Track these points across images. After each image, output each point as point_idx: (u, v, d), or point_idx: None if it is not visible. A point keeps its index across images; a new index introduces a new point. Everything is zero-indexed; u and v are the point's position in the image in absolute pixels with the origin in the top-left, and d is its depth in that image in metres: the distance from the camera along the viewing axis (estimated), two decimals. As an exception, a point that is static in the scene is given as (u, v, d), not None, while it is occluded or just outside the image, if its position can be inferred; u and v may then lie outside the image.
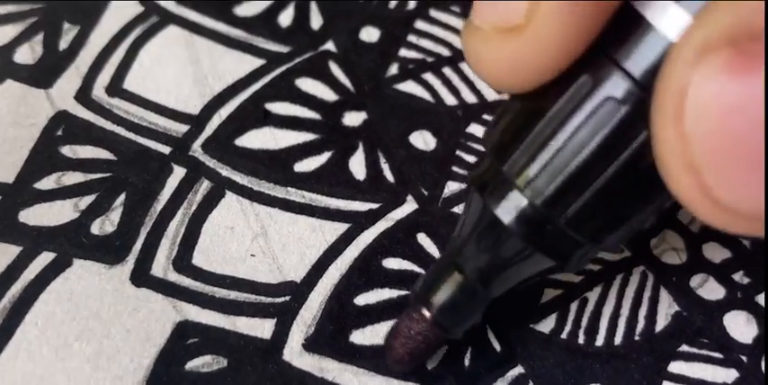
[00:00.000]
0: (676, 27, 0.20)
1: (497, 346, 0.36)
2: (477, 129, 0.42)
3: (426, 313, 0.30)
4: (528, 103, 0.25)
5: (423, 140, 0.41)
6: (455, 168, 0.41)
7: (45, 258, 0.36)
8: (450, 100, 0.43)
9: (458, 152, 0.41)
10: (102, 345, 0.34)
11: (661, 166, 0.20)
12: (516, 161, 0.25)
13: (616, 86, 0.22)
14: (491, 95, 0.43)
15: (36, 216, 0.37)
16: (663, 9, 0.21)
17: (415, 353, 0.31)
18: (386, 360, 0.34)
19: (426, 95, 0.43)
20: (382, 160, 0.40)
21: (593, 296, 0.38)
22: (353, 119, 0.41)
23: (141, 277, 0.36)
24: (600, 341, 0.37)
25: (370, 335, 0.36)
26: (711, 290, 0.38)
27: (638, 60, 0.21)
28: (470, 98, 0.43)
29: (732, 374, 0.36)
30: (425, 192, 0.40)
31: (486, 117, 0.42)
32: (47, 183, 0.38)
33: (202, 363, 0.35)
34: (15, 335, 0.34)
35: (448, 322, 0.30)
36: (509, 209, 0.26)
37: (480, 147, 0.41)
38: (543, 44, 0.22)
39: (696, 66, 0.18)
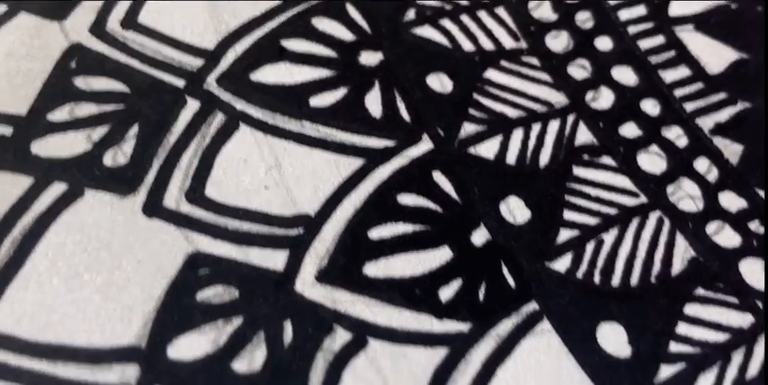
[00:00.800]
0: None
1: (512, 283, 0.36)
2: (494, 75, 0.42)
3: None
4: None
5: (439, 82, 0.41)
6: (472, 111, 0.40)
7: (57, 189, 0.36)
8: (467, 46, 0.42)
9: (475, 95, 0.41)
10: (113, 276, 0.34)
11: None
12: None
13: None
14: (508, 43, 0.43)
15: (48, 147, 0.37)
16: None
17: None
18: None
19: (444, 40, 0.42)
20: (398, 99, 0.40)
21: (609, 238, 0.38)
22: (370, 58, 0.41)
23: (153, 208, 0.36)
24: (616, 281, 0.36)
25: (384, 268, 0.36)
26: (728, 238, 0.38)
27: None
28: (488, 45, 0.43)
29: (748, 319, 0.36)
30: (442, 133, 0.40)
31: (504, 64, 0.42)
32: (60, 115, 0.38)
33: (213, 294, 0.34)
34: (25, 267, 0.34)
35: None
36: None
37: (496, 91, 0.41)
38: None
39: None
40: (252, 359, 0.33)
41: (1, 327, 0.33)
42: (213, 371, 0.32)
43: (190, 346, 0.33)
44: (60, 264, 0.34)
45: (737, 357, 0.35)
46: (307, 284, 0.35)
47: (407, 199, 0.37)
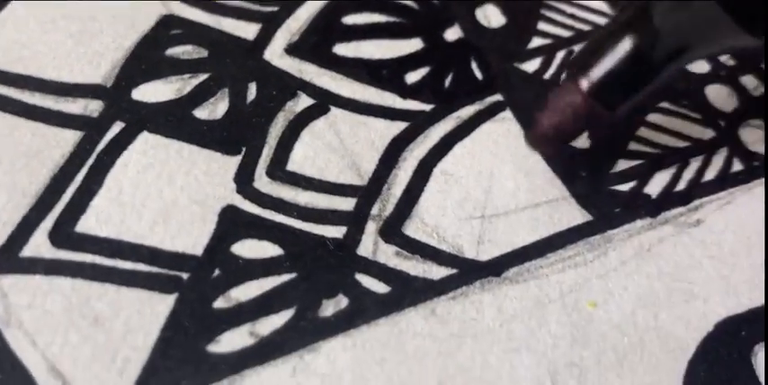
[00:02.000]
0: None
1: (479, 75, 0.38)
2: None
3: (583, 82, 0.29)
4: None
5: None
6: None
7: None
8: None
9: None
10: (86, 25, 0.36)
11: None
12: None
13: None
14: None
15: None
16: None
17: (561, 127, 0.30)
18: (526, 136, 0.34)
19: None
20: None
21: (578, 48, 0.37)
22: None
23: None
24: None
25: (354, 50, 0.37)
26: (697, 65, 0.39)
27: None
28: None
29: (708, 133, 0.37)
30: None
31: None
32: None
33: (183, 51, 0.36)
34: (4, 10, 0.37)
35: (606, 93, 0.29)
36: None
37: None
38: None
39: None
40: (214, 109, 0.34)
41: (-29, 57, 0.32)
42: (174, 114, 0.34)
43: (155, 92, 0.34)
44: (38, 10, 0.36)
45: (695, 163, 0.36)
46: (275, 55, 0.36)
47: None
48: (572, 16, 0.40)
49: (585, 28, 0.39)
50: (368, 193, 0.34)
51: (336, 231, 0.33)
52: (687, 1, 0.26)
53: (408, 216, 0.33)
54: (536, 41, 0.39)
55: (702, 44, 0.28)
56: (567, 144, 0.34)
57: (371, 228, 0.33)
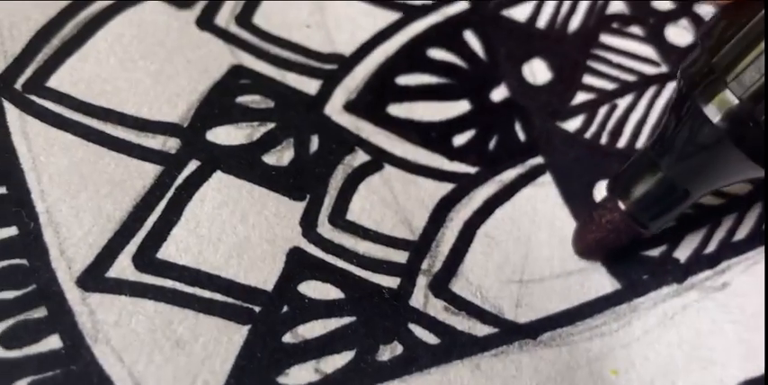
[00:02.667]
0: None
1: (522, 136, 0.39)
2: None
3: (621, 204, 0.31)
4: (739, 8, 0.26)
5: None
6: None
7: (121, -9, 0.37)
8: None
9: None
10: (164, 67, 0.37)
11: None
12: (726, 56, 0.26)
13: None
14: None
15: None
16: None
17: (603, 242, 0.33)
18: (574, 247, 0.36)
19: None
20: None
21: (623, 103, 0.41)
22: None
23: (205, 23, 0.40)
24: (622, 143, 0.39)
25: (406, 110, 0.39)
26: None
27: None
28: None
29: (745, 188, 0.38)
30: None
31: None
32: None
33: (251, 100, 0.38)
34: (86, 45, 0.37)
35: (642, 215, 0.31)
36: (717, 104, 0.26)
37: None
38: None
39: None
40: (281, 156, 0.36)
41: (59, 87, 0.36)
42: (245, 158, 0.36)
43: (227, 135, 0.36)
44: (118, 48, 0.37)
45: (728, 221, 0.39)
46: (335, 110, 0.38)
47: (437, 53, 0.40)
48: (618, 66, 0.42)
49: (630, 78, 0.41)
50: (418, 249, 0.36)
51: (392, 281, 0.35)
52: (715, 143, 0.28)
53: (455, 274, 0.36)
54: (580, 97, 0.41)
55: (716, 181, 0.30)
56: (609, 252, 0.36)
57: (422, 281, 0.35)
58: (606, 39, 0.42)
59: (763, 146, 0.26)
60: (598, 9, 0.43)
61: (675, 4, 0.42)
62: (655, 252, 0.37)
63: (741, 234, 0.38)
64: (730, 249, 0.36)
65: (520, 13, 0.43)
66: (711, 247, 0.37)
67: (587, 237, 0.33)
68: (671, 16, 0.43)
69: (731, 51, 0.26)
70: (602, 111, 0.40)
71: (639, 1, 0.43)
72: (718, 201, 0.38)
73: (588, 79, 0.41)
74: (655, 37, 0.43)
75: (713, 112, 0.27)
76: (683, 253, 0.36)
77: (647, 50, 0.42)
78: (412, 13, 0.42)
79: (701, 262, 0.36)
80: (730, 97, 0.26)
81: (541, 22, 0.43)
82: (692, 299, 0.36)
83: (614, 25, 0.43)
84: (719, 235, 0.38)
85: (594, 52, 0.42)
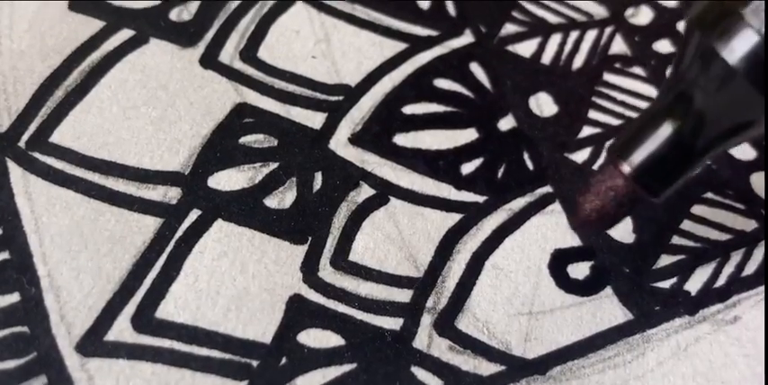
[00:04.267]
0: None
1: (530, 165, 0.40)
2: None
3: (625, 167, 0.29)
4: None
5: None
6: (515, 13, 0.45)
7: (125, 34, 0.40)
8: None
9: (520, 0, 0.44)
10: (167, 112, 0.38)
11: None
12: None
13: None
14: None
15: (120, -3, 0.38)
16: None
17: (603, 211, 0.31)
18: (570, 221, 0.36)
19: None
20: None
21: None
22: None
23: (209, 61, 0.40)
24: None
25: (413, 140, 0.40)
26: (743, 151, 0.40)
27: None
28: None
29: (751, 224, 0.39)
30: (483, 29, 0.43)
31: None
32: (131, -26, 0.39)
33: (254, 140, 0.39)
34: (89, 94, 0.39)
35: (649, 179, 0.29)
36: (734, 42, 0.26)
37: None
38: None
39: None
40: (283, 198, 0.37)
41: (62, 142, 0.37)
42: (246, 203, 0.36)
43: (228, 180, 0.37)
44: (121, 96, 0.38)
45: (736, 257, 0.38)
46: (340, 144, 0.39)
47: (443, 83, 0.41)
48: (622, 103, 0.42)
49: (634, 115, 0.41)
50: (423, 285, 0.36)
51: (394, 323, 0.35)
52: (730, 83, 0.26)
53: (461, 310, 0.36)
54: (586, 130, 0.41)
55: (745, 127, 0.28)
56: (609, 227, 0.35)
57: (427, 320, 0.35)
58: (609, 77, 0.43)
59: None
60: (601, 49, 0.44)
61: (677, 48, 0.42)
62: (665, 284, 0.37)
63: (750, 269, 0.38)
64: (740, 284, 0.36)
65: (524, 49, 0.43)
66: (721, 281, 0.37)
67: (585, 207, 0.31)
68: (672, 58, 0.42)
69: None
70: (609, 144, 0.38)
71: (641, 44, 0.44)
72: (726, 236, 0.39)
73: (594, 114, 0.42)
74: (657, 77, 0.43)
75: (730, 52, 0.26)
76: (693, 286, 0.36)
77: (650, 90, 0.43)
78: (418, 45, 0.42)
79: (711, 295, 0.36)
80: (750, 34, 0.25)
81: (546, 58, 0.43)
82: (705, 331, 0.36)
83: (617, 65, 0.43)
84: (729, 269, 0.38)
85: (599, 89, 0.42)
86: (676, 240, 0.38)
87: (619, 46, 0.44)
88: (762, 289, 0.37)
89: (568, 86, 0.42)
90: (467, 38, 0.43)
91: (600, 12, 0.45)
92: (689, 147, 0.28)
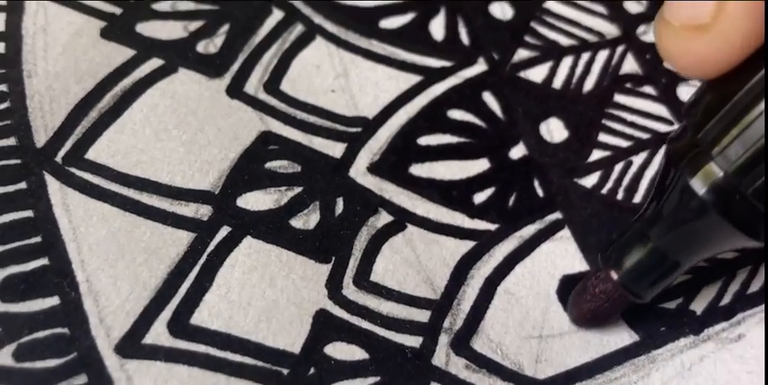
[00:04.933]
0: None
1: (540, 193, 0.41)
2: (553, 5, 0.48)
3: (614, 274, 0.32)
4: (725, 81, 0.26)
5: (501, 10, 0.47)
6: (528, 38, 0.47)
7: (154, 63, 0.42)
8: None
9: (532, 24, 0.47)
10: (197, 136, 0.40)
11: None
12: (711, 131, 0.26)
13: None
14: None
15: (150, 29, 0.43)
16: None
17: (598, 311, 0.33)
18: (568, 315, 0.38)
19: None
20: (461, 25, 0.46)
21: (638, 160, 0.43)
22: None
23: (236, 91, 0.42)
24: (637, 199, 0.41)
25: (428, 170, 0.41)
26: None
27: None
28: None
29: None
30: (496, 56, 0.45)
31: None
32: (163, 6, 0.44)
33: (279, 165, 0.40)
34: (122, 116, 0.40)
35: (635, 285, 0.32)
36: (702, 178, 0.27)
37: (553, 21, 0.47)
38: (728, 41, 0.24)
39: None
40: (307, 220, 0.38)
41: (97, 158, 0.39)
42: (273, 222, 0.38)
43: (256, 201, 0.39)
44: (153, 119, 0.40)
45: (742, 274, 0.40)
46: (359, 173, 0.41)
47: (456, 114, 0.43)
48: (632, 124, 0.44)
49: (644, 136, 0.43)
50: (440, 307, 0.38)
51: (414, 341, 0.37)
52: (702, 213, 0.28)
53: (475, 331, 0.37)
54: (596, 154, 0.43)
55: (721, 246, 0.29)
56: (603, 323, 0.37)
57: (444, 340, 0.37)
58: (620, 98, 0.45)
59: (750, 217, 0.26)
60: (612, 70, 0.45)
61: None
62: (672, 304, 0.37)
63: (755, 286, 0.39)
64: (745, 301, 0.37)
65: (536, 75, 0.45)
66: (726, 300, 0.38)
67: (582, 306, 0.34)
68: (682, 76, 0.44)
69: (716, 126, 0.26)
70: (618, 167, 0.42)
71: (652, 62, 0.45)
72: (732, 254, 0.40)
73: (604, 137, 0.43)
74: (667, 96, 0.45)
75: (699, 185, 0.27)
76: (699, 305, 0.37)
77: (660, 109, 0.44)
78: (432, 76, 0.44)
79: (716, 314, 0.36)
80: (716, 171, 0.26)
81: (557, 82, 0.45)
82: (709, 350, 0.37)
83: (628, 85, 0.45)
84: (734, 287, 0.39)
85: (609, 111, 0.44)
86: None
87: (630, 65, 0.45)
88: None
89: (579, 110, 0.43)
90: (480, 66, 0.45)
91: (611, 31, 0.47)
92: (670, 259, 0.31)
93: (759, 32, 0.23)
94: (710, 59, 0.25)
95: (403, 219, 0.40)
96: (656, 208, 0.30)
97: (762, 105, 0.24)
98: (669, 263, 0.31)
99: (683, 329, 0.36)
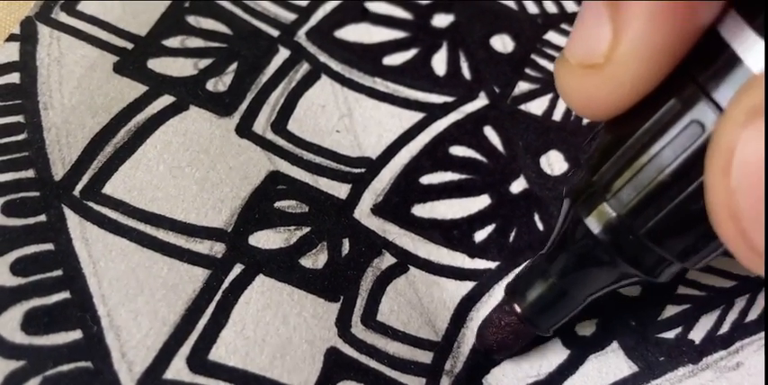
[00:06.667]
0: (762, 63, 0.21)
1: (541, 226, 0.43)
2: (554, 37, 0.49)
3: (517, 308, 0.33)
4: (620, 124, 0.26)
5: (502, 43, 0.48)
6: (528, 70, 0.48)
7: (166, 100, 0.43)
8: (532, 8, 0.49)
9: (533, 56, 0.48)
10: (209, 174, 0.41)
11: (710, 211, 0.21)
12: (605, 174, 0.27)
13: (702, 113, 0.23)
14: (571, 7, 0.49)
15: (162, 66, 0.44)
16: (752, 45, 0.22)
17: (503, 342, 0.34)
18: (477, 345, 0.39)
19: (511, 2, 0.49)
20: (462, 59, 0.47)
21: None
22: (442, 20, 0.48)
23: (245, 130, 0.43)
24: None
25: (429, 210, 0.43)
26: None
27: (725, 91, 0.22)
28: (552, 8, 0.50)
29: None
30: (497, 90, 0.47)
31: (565, 26, 0.48)
32: (173, 42, 0.45)
33: (288, 205, 0.42)
34: (137, 152, 0.41)
35: (536, 318, 0.33)
36: (597, 217, 0.28)
37: (554, 53, 0.48)
38: (619, 83, 0.24)
39: (745, 127, 0.19)
40: (316, 260, 0.40)
41: (114, 194, 0.40)
42: (284, 261, 0.39)
43: (267, 239, 0.40)
44: (166, 155, 0.41)
45: (740, 303, 0.41)
46: (363, 214, 0.42)
47: (458, 150, 0.44)
48: None
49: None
50: (442, 350, 0.39)
51: (418, 382, 0.38)
52: (595, 250, 0.29)
53: (475, 375, 0.39)
54: None
55: (617, 282, 0.31)
56: (509, 354, 0.39)
57: (446, 382, 0.38)
58: None
59: (644, 256, 0.28)
60: None
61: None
62: (671, 334, 0.38)
63: (753, 315, 0.40)
64: (743, 330, 0.37)
65: (537, 107, 0.46)
66: (725, 328, 0.38)
67: (489, 338, 0.35)
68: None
69: (610, 169, 0.27)
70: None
71: None
72: (730, 283, 0.41)
73: None
74: None
75: (594, 225, 0.28)
76: (697, 334, 0.37)
77: None
78: (434, 112, 0.46)
79: (715, 343, 0.37)
80: (609, 211, 0.27)
81: (557, 114, 0.46)
82: (708, 379, 0.38)
83: None
84: (732, 316, 0.40)
85: None
86: (682, 290, 0.41)
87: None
88: (764, 333, 0.38)
89: (578, 142, 0.45)
90: (481, 101, 0.46)
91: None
92: (570, 294, 0.31)
93: (651, 77, 0.23)
94: (602, 101, 0.25)
95: (405, 261, 0.42)
96: (556, 244, 0.31)
97: (653, 149, 0.25)
98: (569, 297, 0.31)
99: (681, 358, 0.37)
